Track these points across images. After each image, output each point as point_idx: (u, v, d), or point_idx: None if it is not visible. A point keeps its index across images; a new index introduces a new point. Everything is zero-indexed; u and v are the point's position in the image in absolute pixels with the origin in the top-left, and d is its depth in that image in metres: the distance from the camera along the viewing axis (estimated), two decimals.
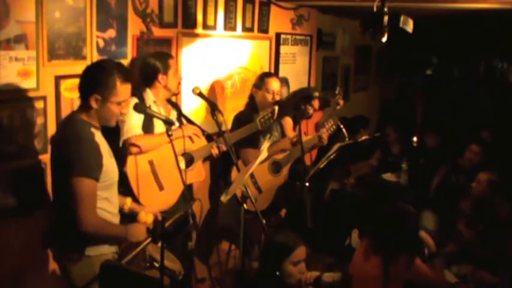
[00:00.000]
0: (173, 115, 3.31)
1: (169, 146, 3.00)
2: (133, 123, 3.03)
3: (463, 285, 3.46)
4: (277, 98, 3.88)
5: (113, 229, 2.47)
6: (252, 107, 3.92)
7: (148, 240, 2.38)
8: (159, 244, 2.35)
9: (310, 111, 4.46)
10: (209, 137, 3.31)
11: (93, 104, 2.37)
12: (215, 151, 3.31)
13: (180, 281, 2.58)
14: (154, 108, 3.11)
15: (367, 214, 3.43)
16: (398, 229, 2.95)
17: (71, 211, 2.30)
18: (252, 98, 3.98)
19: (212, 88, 4.15)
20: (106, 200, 2.45)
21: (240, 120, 3.74)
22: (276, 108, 3.56)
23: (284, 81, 5.08)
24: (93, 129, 2.40)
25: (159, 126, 3.14)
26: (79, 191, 2.28)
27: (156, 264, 2.49)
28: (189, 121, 3.42)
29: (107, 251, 2.47)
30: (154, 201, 3.04)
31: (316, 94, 4.78)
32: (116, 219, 2.55)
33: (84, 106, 2.40)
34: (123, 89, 2.40)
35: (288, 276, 2.54)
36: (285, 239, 2.62)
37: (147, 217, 2.66)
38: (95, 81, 2.36)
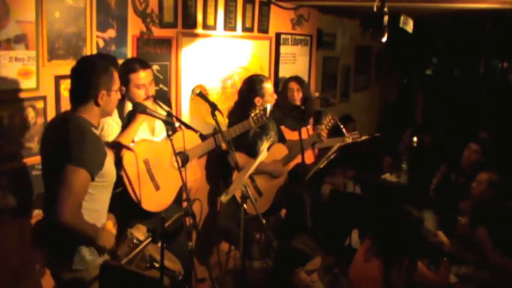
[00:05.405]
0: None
1: (164, 146, 2.99)
2: (115, 130, 2.92)
3: (463, 285, 3.45)
4: (275, 97, 3.84)
5: (87, 228, 2.29)
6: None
7: (149, 240, 2.38)
8: (159, 244, 2.35)
9: (295, 94, 4.22)
10: (202, 136, 3.24)
11: (101, 101, 2.32)
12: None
13: (180, 281, 2.58)
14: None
15: (367, 214, 3.42)
16: (401, 233, 2.88)
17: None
18: (248, 104, 3.71)
19: (211, 88, 4.15)
20: (104, 200, 2.40)
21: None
22: (268, 106, 3.47)
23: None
24: (93, 129, 2.34)
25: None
26: (71, 179, 2.16)
27: (156, 264, 2.49)
28: (180, 121, 3.35)
29: (99, 262, 2.36)
30: (151, 202, 2.99)
31: (316, 94, 4.80)
32: (104, 218, 2.45)
33: (84, 106, 2.32)
34: (116, 75, 2.40)
35: (299, 283, 2.52)
36: (304, 246, 2.59)
37: (113, 228, 2.50)
38: (99, 79, 2.30)
